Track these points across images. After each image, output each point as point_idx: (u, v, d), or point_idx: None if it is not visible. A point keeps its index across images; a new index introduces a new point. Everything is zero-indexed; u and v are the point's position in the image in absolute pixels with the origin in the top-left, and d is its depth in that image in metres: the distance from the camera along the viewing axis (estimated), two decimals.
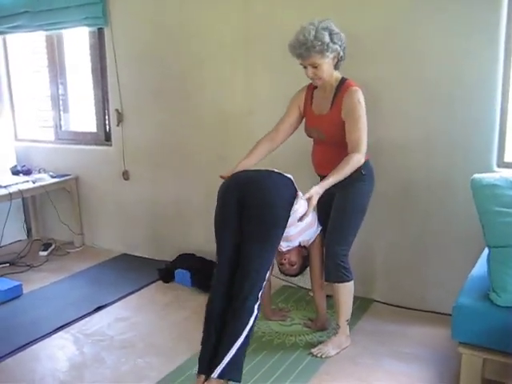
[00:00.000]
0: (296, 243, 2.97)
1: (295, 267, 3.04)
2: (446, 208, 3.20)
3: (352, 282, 2.94)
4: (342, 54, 2.79)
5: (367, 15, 3.18)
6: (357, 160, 2.71)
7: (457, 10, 2.97)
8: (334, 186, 2.77)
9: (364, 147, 2.73)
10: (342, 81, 2.83)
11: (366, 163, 2.86)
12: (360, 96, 2.75)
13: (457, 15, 2.98)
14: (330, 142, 2.87)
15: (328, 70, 2.78)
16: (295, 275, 3.15)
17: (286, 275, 3.15)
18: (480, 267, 2.59)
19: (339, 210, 2.91)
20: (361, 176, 2.84)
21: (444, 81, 3.08)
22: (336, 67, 2.83)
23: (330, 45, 2.70)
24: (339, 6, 3.26)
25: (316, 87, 2.94)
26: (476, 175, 2.55)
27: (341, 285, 2.91)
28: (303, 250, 3.03)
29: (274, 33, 3.50)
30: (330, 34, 2.70)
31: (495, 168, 3.03)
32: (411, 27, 3.11)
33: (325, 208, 2.94)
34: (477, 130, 3.04)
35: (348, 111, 2.75)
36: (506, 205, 2.37)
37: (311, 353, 2.89)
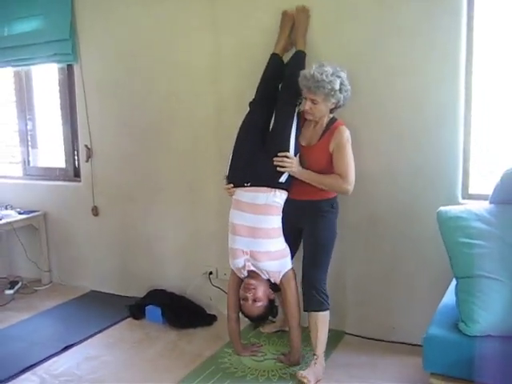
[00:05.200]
0: (262, 267, 2.96)
1: (259, 305, 2.98)
2: (414, 239, 3.25)
3: (329, 312, 2.98)
4: (341, 103, 2.95)
5: (335, 51, 3.26)
6: (341, 185, 2.93)
7: (419, 42, 3.07)
8: (302, 219, 3.00)
9: (352, 180, 2.93)
10: (333, 120, 3.02)
11: (335, 198, 3.07)
12: (348, 134, 2.96)
13: (419, 47, 3.08)
14: (311, 170, 2.98)
15: (323, 111, 2.95)
16: (256, 318, 3.09)
17: (247, 317, 3.09)
18: (449, 297, 2.62)
19: (313, 238, 3.01)
20: (330, 209, 3.03)
21: (409, 114, 3.16)
22: (331, 111, 3.00)
23: (337, 93, 2.87)
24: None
25: (306, 119, 3.07)
26: (442, 208, 2.61)
27: (321, 313, 2.93)
28: (271, 291, 3.03)
29: (244, 63, 3.55)
30: (341, 84, 2.88)
31: (460, 200, 3.11)
32: (378, 62, 3.19)
33: (290, 240, 3.03)
34: (441, 162, 3.12)
35: (337, 146, 2.93)
36: (471, 236, 2.43)
37: (299, 374, 2.87)
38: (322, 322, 2.95)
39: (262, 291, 2.98)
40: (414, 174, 3.20)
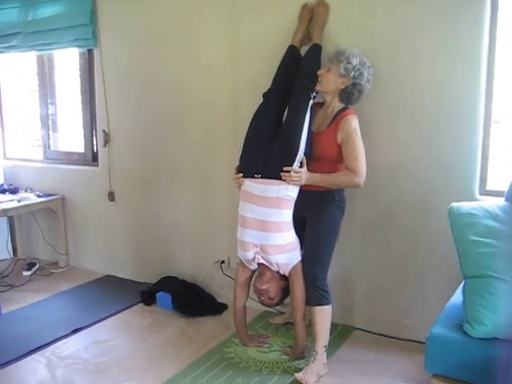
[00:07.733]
0: (273, 260, 2.93)
1: (275, 301, 3.04)
2: (428, 235, 3.16)
3: (330, 307, 2.93)
4: (350, 87, 2.92)
5: (356, 43, 3.16)
6: (352, 180, 2.86)
7: (441, 37, 2.98)
8: (305, 209, 2.93)
9: (363, 172, 2.87)
10: (344, 108, 2.98)
11: (338, 191, 3.00)
12: (356, 124, 2.91)
13: (441, 42, 2.98)
14: (319, 158, 2.95)
15: (329, 82, 2.94)
16: (276, 306, 3.19)
17: (267, 306, 3.17)
18: (458, 296, 2.54)
19: (313, 234, 2.96)
20: (333, 201, 2.97)
21: (428, 107, 3.07)
22: (342, 99, 2.98)
23: (349, 66, 2.87)
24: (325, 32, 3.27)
25: (321, 106, 3.07)
26: (454, 204, 2.52)
27: (319, 308, 2.90)
28: (282, 282, 3.01)
29: (262, 55, 3.51)
30: (362, 65, 2.90)
31: (478, 196, 3.01)
32: (399, 55, 3.11)
33: (297, 230, 2.97)
34: (459, 156, 3.02)
35: (345, 137, 2.89)
36: (482, 234, 2.34)
37: (295, 377, 2.83)
38: (321, 317, 2.90)
39: (274, 291, 3.00)
40: (431, 168, 3.11)
